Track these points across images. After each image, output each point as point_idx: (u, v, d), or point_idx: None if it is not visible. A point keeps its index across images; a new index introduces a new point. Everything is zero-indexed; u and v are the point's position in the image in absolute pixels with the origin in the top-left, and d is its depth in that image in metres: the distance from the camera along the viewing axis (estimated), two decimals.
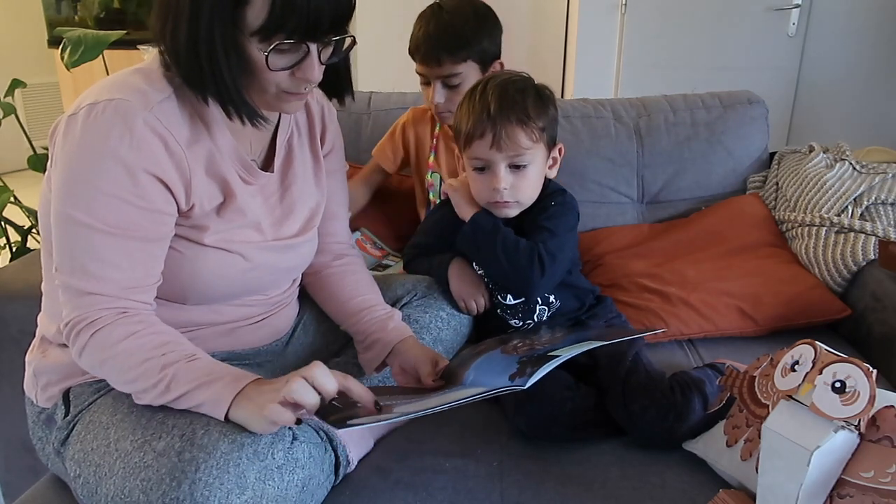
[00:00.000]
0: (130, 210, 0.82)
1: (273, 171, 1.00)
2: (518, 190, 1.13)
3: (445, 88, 1.36)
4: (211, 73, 0.82)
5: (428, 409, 0.82)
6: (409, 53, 1.38)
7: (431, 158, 1.53)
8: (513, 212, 1.16)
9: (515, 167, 1.12)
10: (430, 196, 1.56)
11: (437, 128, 1.52)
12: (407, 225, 1.64)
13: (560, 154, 1.19)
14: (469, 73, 1.37)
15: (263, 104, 0.90)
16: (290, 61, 0.84)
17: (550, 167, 1.19)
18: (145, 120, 0.81)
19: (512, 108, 1.09)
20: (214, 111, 0.89)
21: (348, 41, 0.88)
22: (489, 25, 1.38)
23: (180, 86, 0.87)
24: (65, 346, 0.93)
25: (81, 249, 0.81)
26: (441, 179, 1.52)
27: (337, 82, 1.00)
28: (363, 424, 0.80)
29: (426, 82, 1.37)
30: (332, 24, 0.83)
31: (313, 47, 0.84)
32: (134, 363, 0.81)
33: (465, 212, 1.20)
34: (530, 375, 0.87)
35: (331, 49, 0.88)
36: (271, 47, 0.81)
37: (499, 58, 1.42)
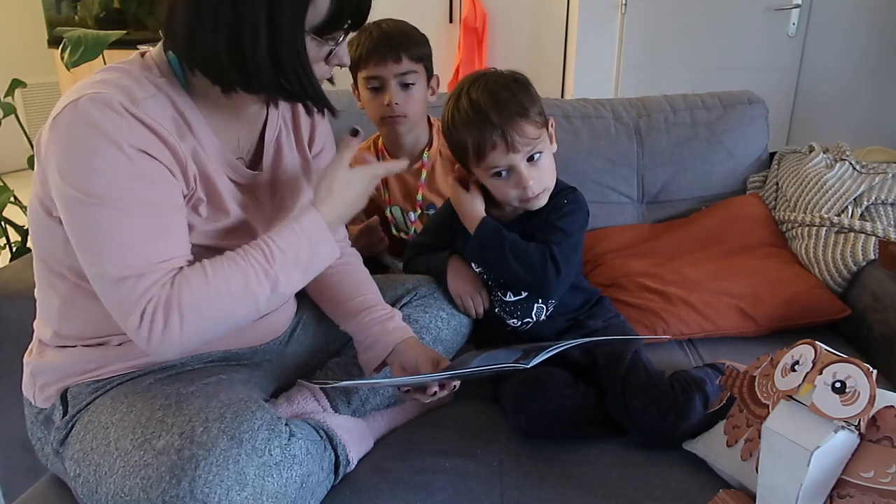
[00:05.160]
0: (138, 185, 0.79)
1: (262, 170, 1.00)
2: (543, 179, 1.14)
3: (400, 89, 1.37)
4: (295, 75, 0.83)
5: (428, 378, 0.83)
6: (358, 63, 1.37)
7: (386, 194, 1.53)
8: (543, 200, 1.16)
9: (531, 159, 1.12)
10: (393, 231, 1.56)
11: (381, 161, 1.52)
12: None
13: (552, 128, 1.18)
14: (419, 80, 1.39)
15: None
16: (329, 50, 0.86)
17: (550, 142, 1.18)
18: (132, 112, 0.80)
19: (509, 107, 1.09)
20: (196, 111, 0.89)
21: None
22: (429, 42, 1.43)
23: (163, 86, 0.86)
24: (62, 347, 0.93)
25: (103, 238, 0.78)
26: (402, 211, 1.53)
27: None
28: (365, 383, 0.81)
29: (377, 87, 1.38)
30: (368, 9, 0.87)
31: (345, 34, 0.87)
32: (235, 297, 0.81)
33: (470, 225, 1.19)
34: (534, 357, 0.88)
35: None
36: (339, 40, 0.85)
37: (434, 75, 1.45)
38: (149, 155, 0.81)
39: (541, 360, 0.89)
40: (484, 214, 1.18)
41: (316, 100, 0.88)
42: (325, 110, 0.91)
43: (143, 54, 0.90)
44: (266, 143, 1.00)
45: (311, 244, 0.87)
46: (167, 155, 0.83)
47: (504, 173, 1.12)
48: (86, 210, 0.78)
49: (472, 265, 1.24)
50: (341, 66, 0.90)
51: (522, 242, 1.15)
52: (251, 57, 0.81)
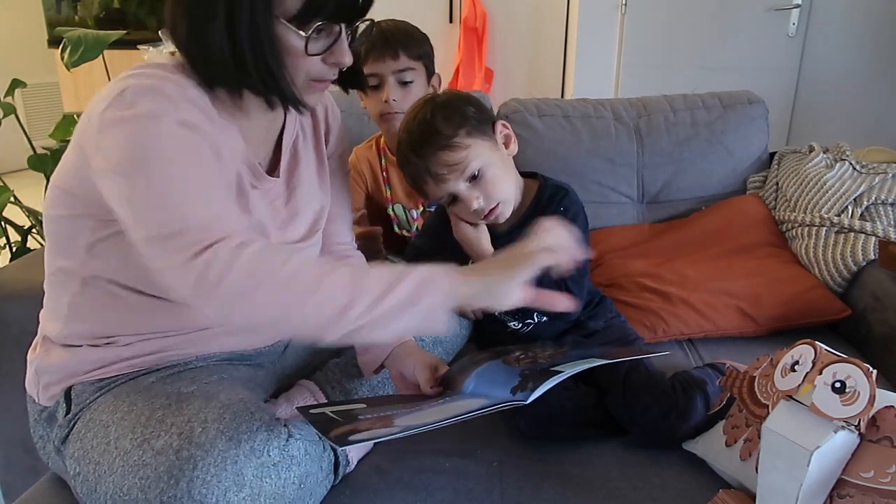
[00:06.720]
0: (200, 152, 0.79)
1: (278, 176, 0.99)
2: (492, 195, 1.10)
3: (399, 86, 1.37)
4: (255, 65, 0.81)
5: (429, 425, 0.82)
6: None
7: (388, 192, 1.53)
8: (507, 211, 1.13)
9: (473, 178, 1.09)
10: (395, 228, 1.55)
11: (384, 159, 1.52)
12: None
13: (506, 128, 1.15)
14: (418, 78, 1.39)
15: None
16: (323, 46, 0.84)
17: (507, 146, 1.15)
18: (185, 97, 0.80)
19: (426, 144, 1.07)
20: (224, 114, 0.88)
21: (365, 25, 0.89)
22: (429, 41, 1.43)
23: (195, 86, 0.85)
24: (67, 346, 0.93)
25: (174, 198, 0.74)
26: (404, 208, 1.53)
27: (353, 71, 0.98)
28: (364, 441, 0.80)
29: (376, 85, 1.38)
30: (364, 5, 0.85)
31: (344, 29, 0.85)
32: (307, 285, 0.72)
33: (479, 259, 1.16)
34: (532, 390, 0.86)
35: (350, 34, 0.88)
36: (311, 31, 0.81)
37: (434, 73, 1.45)
38: (202, 130, 0.80)
39: (541, 393, 0.87)
40: (492, 250, 1.15)
41: (284, 94, 0.84)
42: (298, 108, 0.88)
43: (172, 53, 0.89)
44: (283, 149, 1.00)
45: (418, 290, 0.73)
46: (217, 136, 0.83)
47: (453, 199, 1.11)
48: (144, 169, 0.74)
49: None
50: (340, 65, 0.87)
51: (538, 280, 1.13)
52: (206, 47, 0.80)
